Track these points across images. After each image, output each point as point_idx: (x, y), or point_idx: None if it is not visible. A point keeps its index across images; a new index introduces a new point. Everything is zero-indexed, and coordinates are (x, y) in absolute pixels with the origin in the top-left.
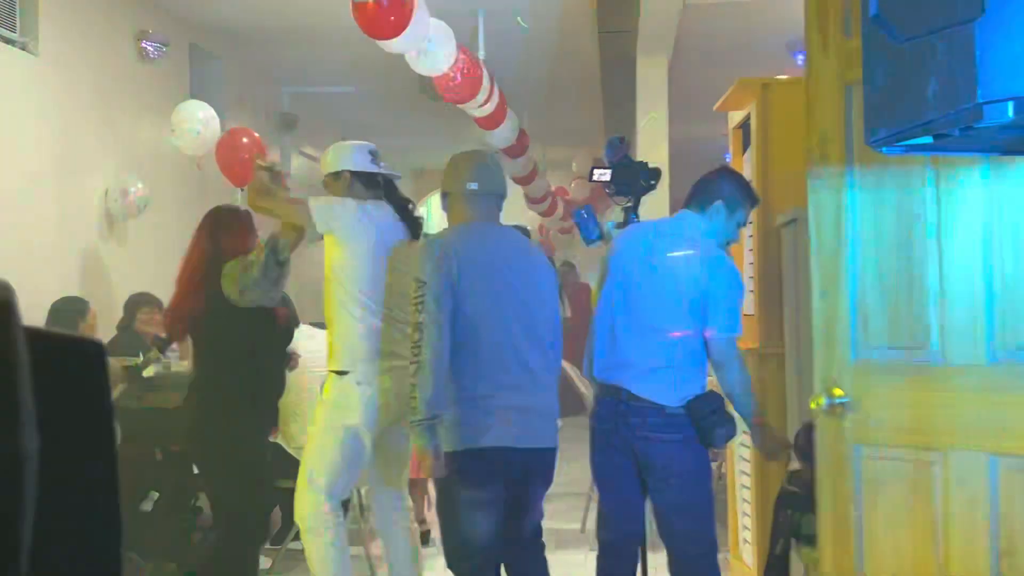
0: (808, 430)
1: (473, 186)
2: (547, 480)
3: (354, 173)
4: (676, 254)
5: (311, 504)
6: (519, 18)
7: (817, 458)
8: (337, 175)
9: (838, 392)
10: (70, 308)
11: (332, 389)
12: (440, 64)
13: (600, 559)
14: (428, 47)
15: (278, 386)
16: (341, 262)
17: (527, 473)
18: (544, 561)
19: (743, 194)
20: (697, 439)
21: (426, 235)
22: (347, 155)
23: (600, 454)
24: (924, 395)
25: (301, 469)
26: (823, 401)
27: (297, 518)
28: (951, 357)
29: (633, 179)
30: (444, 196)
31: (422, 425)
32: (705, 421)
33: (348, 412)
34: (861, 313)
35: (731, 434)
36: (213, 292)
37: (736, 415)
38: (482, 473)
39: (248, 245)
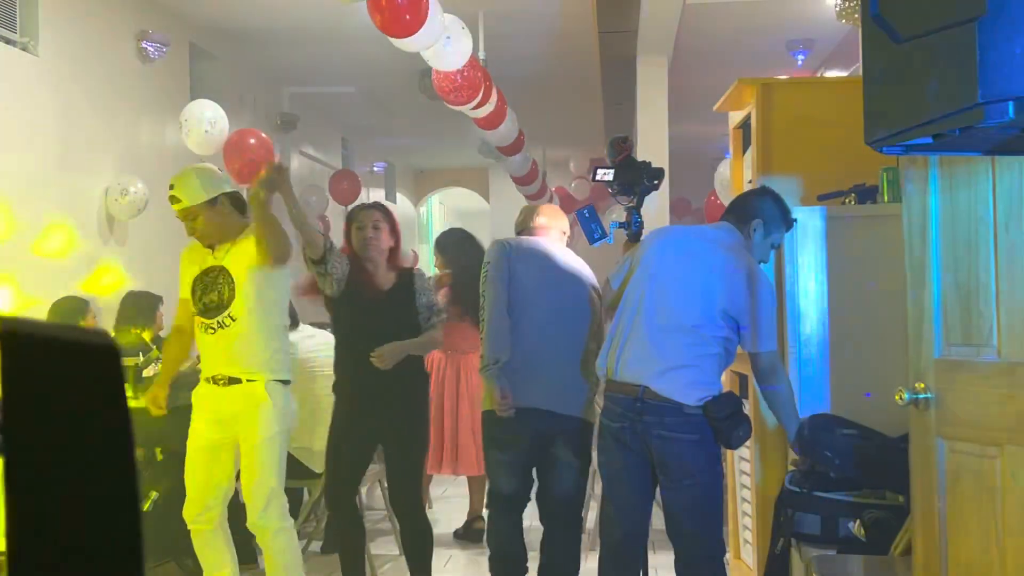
0: (811, 425)
1: (542, 220)
2: (574, 445)
3: (227, 194)
4: (718, 260)
5: (281, 508)
6: None
7: (911, 451)
8: (214, 200)
9: (920, 386)
10: (70, 308)
11: (277, 397)
12: (457, 60)
13: (603, 560)
14: (445, 44)
15: None
16: (270, 268)
17: (553, 433)
18: (575, 541)
19: (782, 217)
20: (712, 440)
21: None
22: (216, 179)
23: (609, 453)
24: (986, 391)
25: (267, 479)
26: (905, 395)
27: (267, 527)
28: (1006, 354)
29: (636, 179)
30: (519, 233)
31: (489, 370)
32: (723, 423)
33: (292, 418)
34: (943, 312)
35: (747, 436)
36: None
37: (750, 417)
38: (514, 426)
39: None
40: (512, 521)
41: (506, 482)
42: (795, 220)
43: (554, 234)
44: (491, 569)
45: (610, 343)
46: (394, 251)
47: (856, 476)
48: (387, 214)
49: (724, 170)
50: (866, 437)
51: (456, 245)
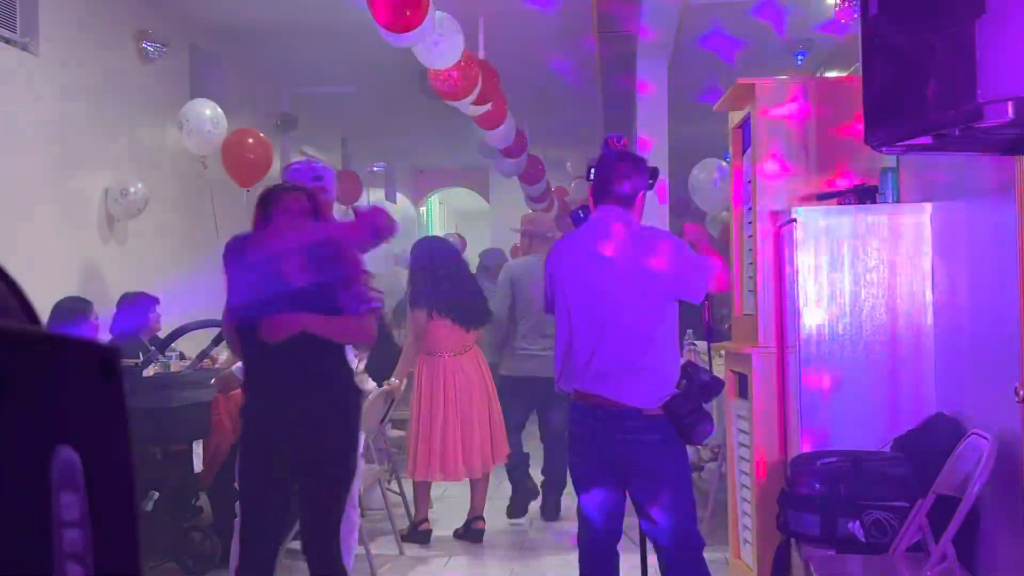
0: (793, 469)
1: (551, 234)
2: (557, 400)
3: None
4: (621, 253)
5: None
6: None
7: None
8: None
9: None
10: (73, 308)
11: None
12: (447, 58)
13: (581, 560)
14: (436, 41)
15: None
16: None
17: (538, 392)
18: (562, 460)
19: (646, 171)
20: (676, 437)
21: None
22: None
23: (577, 456)
24: None
25: None
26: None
27: None
28: None
29: None
30: (524, 235)
31: None
32: (685, 420)
33: None
34: None
35: (710, 431)
36: None
37: (712, 414)
38: (513, 388)
39: None
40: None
41: (517, 418)
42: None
43: (544, 244)
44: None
45: (560, 361)
46: None
47: (848, 495)
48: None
49: (697, 172)
50: (844, 460)
51: (427, 249)
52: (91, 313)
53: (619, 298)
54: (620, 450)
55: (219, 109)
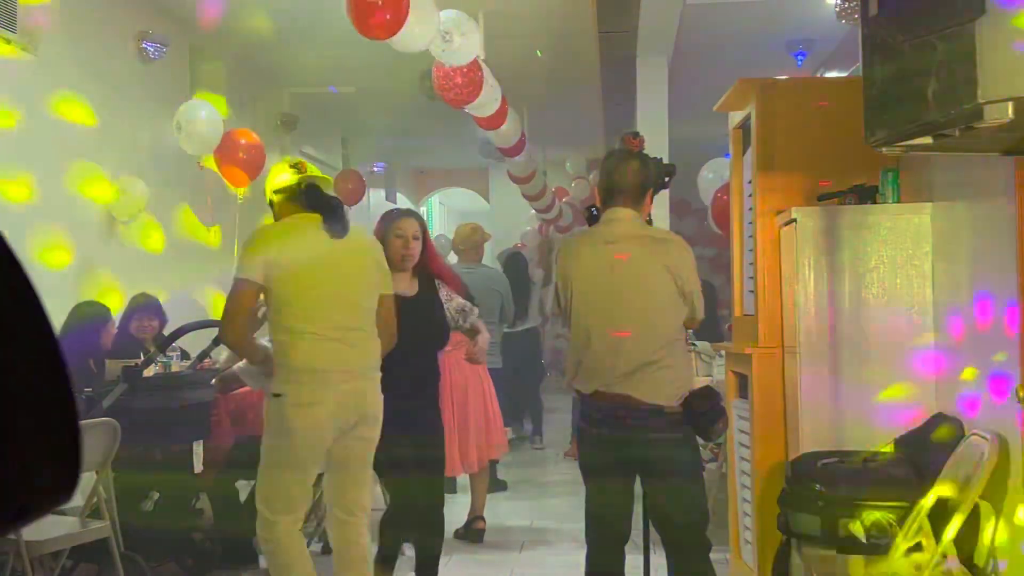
0: (794, 470)
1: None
2: None
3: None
4: (643, 255)
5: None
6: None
7: None
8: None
9: None
10: (92, 314)
11: None
12: (465, 55)
13: (589, 558)
14: (454, 39)
15: None
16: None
17: None
18: None
19: (656, 171)
20: (692, 435)
21: None
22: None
23: (591, 456)
24: None
25: None
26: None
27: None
28: None
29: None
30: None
31: None
32: (704, 417)
33: None
34: None
35: (725, 428)
36: None
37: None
38: None
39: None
40: None
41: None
42: (671, 165)
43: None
44: None
45: (576, 362)
46: (422, 259)
47: (848, 495)
48: (423, 225)
49: (706, 173)
50: (843, 460)
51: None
52: (109, 322)
53: (640, 299)
54: (642, 449)
55: (214, 109)
